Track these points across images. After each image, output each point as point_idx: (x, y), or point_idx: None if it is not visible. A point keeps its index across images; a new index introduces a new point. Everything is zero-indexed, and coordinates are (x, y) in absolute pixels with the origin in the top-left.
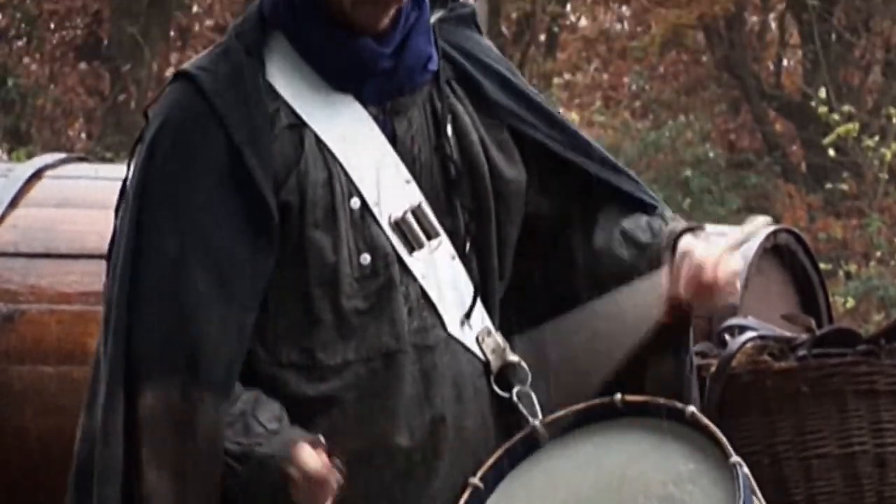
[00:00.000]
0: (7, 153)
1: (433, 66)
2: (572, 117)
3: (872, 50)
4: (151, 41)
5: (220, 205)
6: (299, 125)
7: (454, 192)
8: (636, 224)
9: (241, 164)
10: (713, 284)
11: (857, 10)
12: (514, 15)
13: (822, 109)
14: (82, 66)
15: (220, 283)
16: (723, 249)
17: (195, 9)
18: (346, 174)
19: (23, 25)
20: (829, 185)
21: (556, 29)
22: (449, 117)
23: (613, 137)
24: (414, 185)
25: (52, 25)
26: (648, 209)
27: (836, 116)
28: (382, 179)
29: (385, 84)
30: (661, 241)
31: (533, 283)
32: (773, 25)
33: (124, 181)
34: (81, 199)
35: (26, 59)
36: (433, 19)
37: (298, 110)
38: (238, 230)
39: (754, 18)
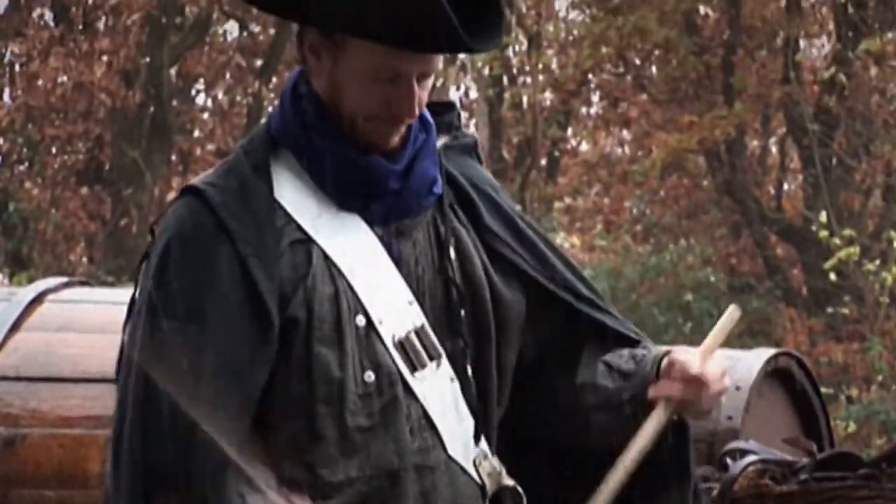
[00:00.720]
0: (8, 277)
1: (438, 189)
2: (573, 241)
3: (873, 174)
4: (153, 166)
5: (225, 318)
6: (307, 241)
7: (456, 314)
8: (619, 355)
9: (247, 278)
10: (702, 378)
11: (858, 134)
12: (515, 139)
13: (823, 233)
14: (84, 190)
15: (216, 395)
16: (705, 348)
17: (196, 133)
18: (352, 291)
19: (25, 150)
20: (830, 309)
21: (556, 153)
22: (452, 241)
23: (614, 261)
24: (417, 306)
25: (54, 150)
26: (632, 343)
27: (836, 240)
28: (387, 299)
29: (392, 205)
30: (646, 364)
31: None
32: (774, 150)
33: (132, 298)
34: (82, 323)
35: (28, 184)
36: (438, 144)
37: (305, 227)
38: (239, 343)
39: (755, 143)
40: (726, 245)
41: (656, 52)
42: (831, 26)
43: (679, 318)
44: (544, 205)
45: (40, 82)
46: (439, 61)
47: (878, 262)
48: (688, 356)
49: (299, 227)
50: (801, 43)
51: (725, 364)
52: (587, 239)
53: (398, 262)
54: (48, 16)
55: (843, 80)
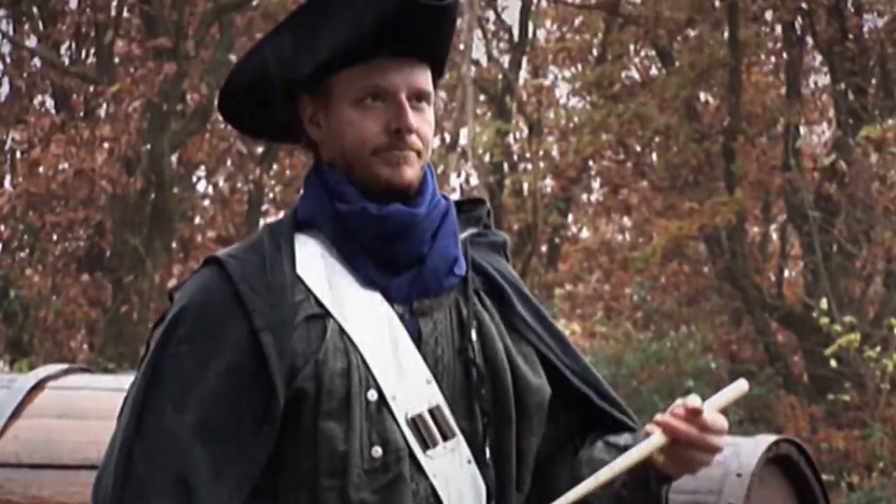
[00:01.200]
0: (9, 364)
1: (459, 270)
2: (574, 328)
3: (873, 261)
4: (154, 253)
5: (230, 388)
6: (323, 315)
7: (475, 395)
8: (619, 435)
9: (258, 351)
10: (702, 418)
11: (858, 221)
12: (515, 226)
13: (824, 320)
14: (84, 277)
15: (217, 465)
16: (710, 403)
17: (197, 220)
18: (365, 365)
19: (25, 237)
20: (830, 396)
21: (557, 240)
22: (474, 323)
23: (615, 348)
24: (434, 386)
25: (55, 237)
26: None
27: (837, 327)
28: (403, 376)
29: (412, 283)
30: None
31: None
32: (775, 236)
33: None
34: (83, 410)
35: (29, 271)
36: (464, 234)
37: (324, 301)
38: (243, 415)
39: (755, 230)
40: (727, 332)
41: (657, 139)
42: (831, 113)
43: None
44: (545, 291)
45: (41, 169)
46: (425, 79)
47: (878, 348)
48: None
49: (318, 302)
50: (802, 130)
51: (726, 450)
52: (588, 325)
53: (417, 340)
54: (49, 103)
55: (844, 166)
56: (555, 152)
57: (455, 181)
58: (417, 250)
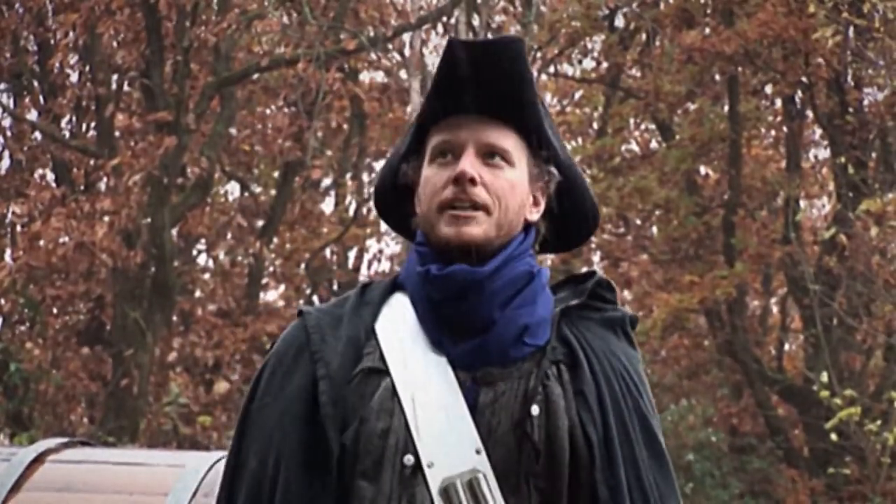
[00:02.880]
0: (9, 437)
1: (533, 339)
2: None
3: (874, 334)
4: (154, 326)
5: (292, 436)
6: (380, 371)
7: (527, 471)
8: None
9: (313, 399)
10: None
11: (859, 294)
12: None
13: (824, 393)
14: (85, 350)
15: None
16: None
17: (198, 294)
18: (406, 429)
19: (26, 311)
20: (831, 470)
21: None
22: (540, 397)
23: None
24: (483, 457)
25: (55, 310)
26: None
27: (838, 401)
28: (448, 443)
29: (476, 350)
30: None
31: None
32: (775, 310)
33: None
34: (83, 484)
35: (29, 344)
36: (566, 304)
37: (387, 357)
38: (299, 465)
39: (756, 303)
40: (727, 405)
41: (657, 212)
42: (831, 186)
43: (680, 478)
44: None
45: (41, 243)
46: (500, 136)
47: (879, 422)
48: None
49: (381, 356)
50: (802, 203)
51: None
52: None
53: (474, 409)
54: (50, 176)
55: (844, 240)
56: None
57: None
58: (484, 314)
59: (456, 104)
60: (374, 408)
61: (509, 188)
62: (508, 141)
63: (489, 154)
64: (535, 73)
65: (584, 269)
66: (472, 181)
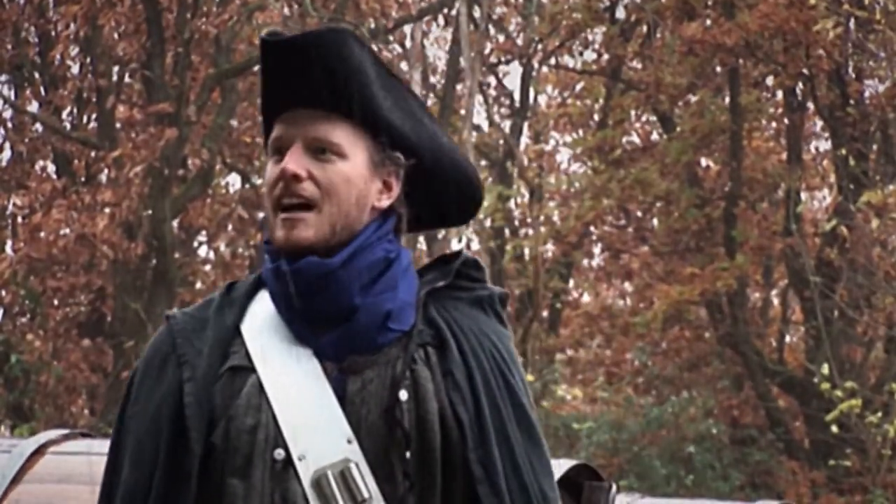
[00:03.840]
0: (10, 429)
1: (398, 325)
2: (575, 393)
3: (875, 326)
4: (155, 318)
5: (162, 442)
6: (246, 369)
7: (397, 458)
8: None
9: (179, 402)
10: None
11: (859, 286)
12: (516, 291)
13: (825, 386)
14: (86, 342)
15: None
16: None
17: (199, 285)
18: (275, 423)
19: (27, 302)
20: (832, 462)
21: (558, 305)
22: (407, 382)
23: (616, 413)
24: (355, 446)
25: (56, 302)
26: None
27: (838, 393)
28: (318, 435)
29: (341, 339)
30: None
31: None
32: (776, 302)
33: None
34: (84, 476)
35: (30, 336)
36: (431, 286)
37: (253, 354)
38: (168, 472)
39: (756, 295)
40: (728, 397)
41: (658, 204)
42: (832, 178)
43: (681, 471)
44: (546, 356)
45: (42, 234)
46: (328, 129)
47: (879, 414)
48: None
49: (247, 355)
50: (803, 195)
51: None
52: (589, 391)
53: (342, 398)
54: (50, 168)
55: (845, 232)
56: (556, 217)
57: (456, 246)
58: (343, 304)
59: (285, 100)
60: (241, 405)
61: (341, 182)
62: (339, 133)
63: (319, 149)
64: (371, 59)
65: (453, 250)
66: (296, 178)
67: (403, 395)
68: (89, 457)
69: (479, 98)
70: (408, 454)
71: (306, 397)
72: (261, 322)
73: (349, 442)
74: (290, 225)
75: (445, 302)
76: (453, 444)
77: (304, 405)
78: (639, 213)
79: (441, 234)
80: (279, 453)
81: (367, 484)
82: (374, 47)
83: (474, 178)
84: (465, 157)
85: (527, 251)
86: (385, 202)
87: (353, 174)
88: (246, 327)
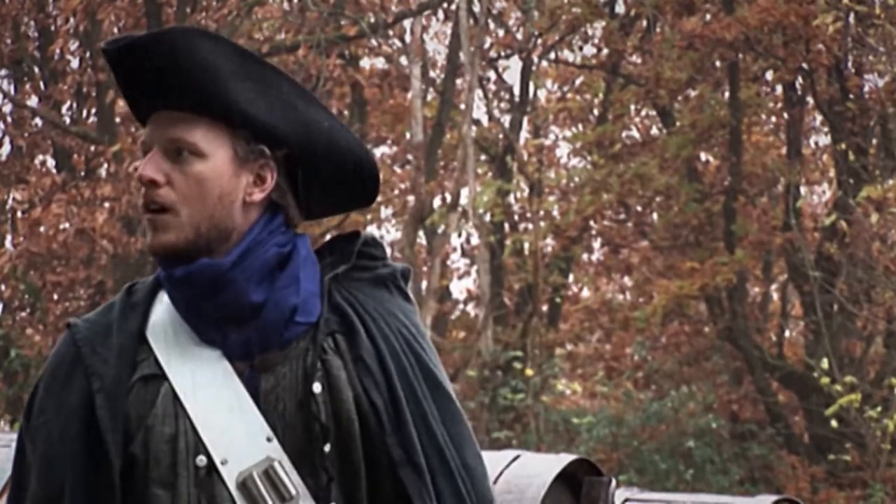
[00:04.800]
0: (9, 424)
1: (305, 317)
2: (574, 388)
3: (874, 321)
4: None
5: (73, 455)
6: (157, 377)
7: (317, 450)
8: None
9: (91, 415)
10: None
11: (859, 280)
12: (516, 286)
13: (825, 380)
14: None
15: None
16: None
17: None
18: (194, 430)
19: (26, 297)
20: (831, 456)
21: (558, 299)
22: (320, 373)
23: (616, 408)
24: (276, 444)
25: (56, 296)
26: None
27: (838, 387)
28: (237, 437)
29: (250, 338)
30: None
31: None
32: (775, 296)
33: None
34: None
35: (29, 330)
36: (334, 272)
37: (162, 362)
38: (82, 486)
39: (756, 289)
40: (728, 391)
41: (657, 199)
42: (832, 173)
43: (680, 465)
44: (546, 351)
45: (42, 229)
46: (186, 130)
47: (879, 408)
48: None
49: (156, 362)
50: (802, 189)
51: None
52: (589, 385)
53: (257, 397)
54: (50, 163)
55: (845, 226)
56: (555, 212)
57: (455, 241)
58: (244, 303)
59: (146, 105)
60: (157, 414)
61: (198, 183)
62: (197, 132)
63: (176, 150)
64: (228, 53)
65: (349, 231)
66: (153, 183)
67: (317, 387)
68: None
69: (478, 93)
70: (327, 447)
71: (221, 400)
72: (165, 326)
73: (269, 440)
74: (152, 227)
75: (348, 284)
76: (372, 430)
77: (220, 408)
78: (638, 208)
79: (440, 228)
80: (201, 460)
81: (292, 480)
82: (374, 42)
83: (357, 159)
84: (349, 137)
85: (526, 246)
86: (258, 196)
87: (213, 173)
88: (151, 333)
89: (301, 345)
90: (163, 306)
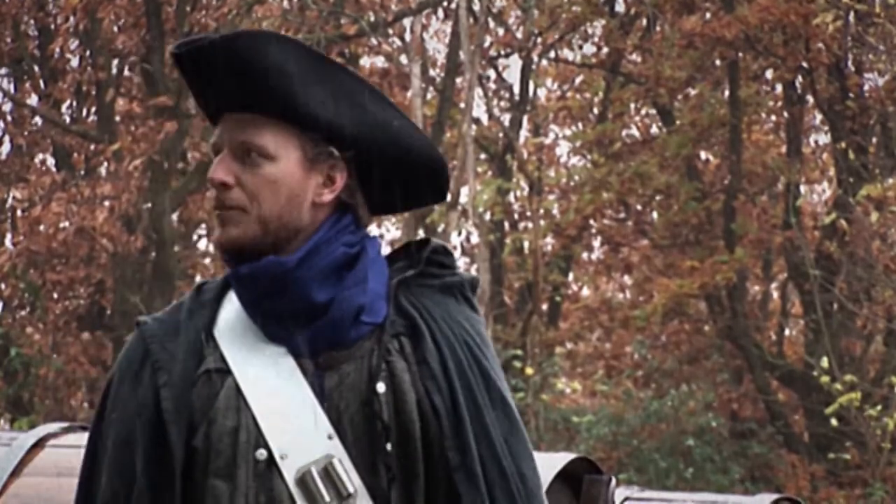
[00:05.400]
0: (9, 422)
1: (371, 317)
2: (574, 386)
3: (874, 319)
4: (154, 311)
5: (141, 450)
6: (222, 371)
7: (378, 450)
8: None
9: (157, 407)
10: None
11: (859, 279)
12: (516, 284)
13: (825, 379)
14: (85, 335)
15: None
16: None
17: (198, 278)
18: (255, 424)
19: (26, 295)
20: (831, 455)
21: (557, 298)
22: (384, 374)
23: (616, 406)
24: (336, 441)
25: (56, 295)
26: None
27: (838, 386)
28: (299, 433)
29: (315, 336)
30: None
31: None
32: (775, 295)
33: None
34: None
35: (29, 329)
36: (402, 275)
37: (227, 357)
38: (143, 475)
39: (756, 288)
40: (728, 390)
41: (657, 198)
42: (832, 172)
43: (680, 464)
44: (545, 350)
45: (42, 227)
46: (255, 132)
47: (879, 407)
48: None
49: (221, 357)
50: (802, 188)
51: None
52: (588, 384)
53: (321, 395)
54: (50, 161)
55: (845, 225)
56: (555, 211)
57: (455, 239)
58: (308, 302)
59: (216, 107)
60: (220, 407)
61: (268, 184)
62: (266, 135)
63: (245, 152)
64: (297, 56)
65: (420, 237)
66: (224, 185)
67: (381, 387)
68: None
69: (478, 91)
70: (389, 446)
71: (284, 396)
72: (232, 324)
73: (330, 438)
74: (221, 223)
75: (415, 290)
76: (431, 433)
77: (282, 404)
78: (638, 207)
79: (441, 227)
80: (261, 453)
81: (351, 478)
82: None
83: (427, 158)
84: (419, 137)
85: (526, 244)
86: (327, 196)
87: (283, 175)
88: (218, 330)
89: (366, 345)
90: (232, 305)
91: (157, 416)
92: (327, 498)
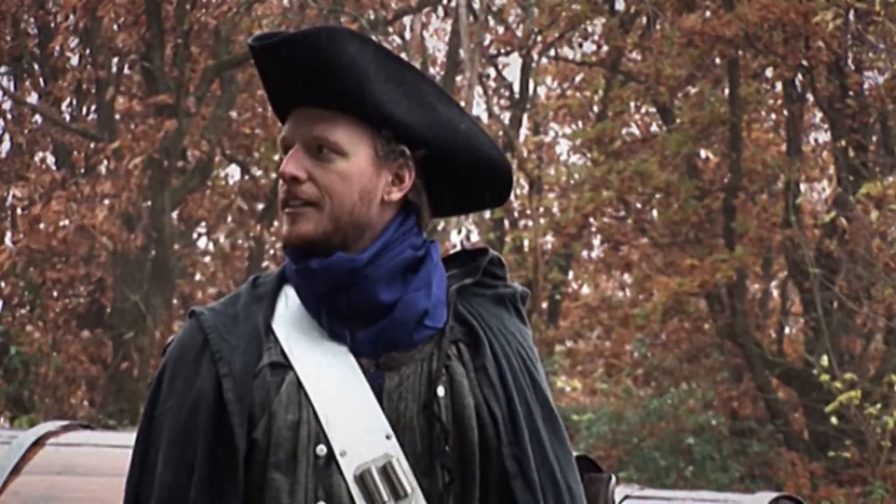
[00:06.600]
0: (9, 421)
1: (433, 322)
2: (574, 385)
3: (874, 317)
4: (154, 309)
5: (201, 439)
6: (283, 365)
7: (436, 453)
8: None
9: (219, 398)
10: None
11: (859, 277)
12: (516, 283)
13: (825, 377)
14: (85, 334)
15: None
16: None
17: (198, 277)
18: (316, 420)
19: (26, 294)
20: (831, 453)
21: (557, 296)
22: (444, 378)
23: (616, 405)
24: (394, 441)
25: (56, 294)
26: None
27: (838, 384)
28: (358, 431)
29: (377, 336)
30: None
31: None
32: (775, 293)
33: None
34: (83, 467)
35: (29, 327)
36: (460, 283)
37: (288, 352)
38: (203, 465)
39: (756, 286)
40: (728, 388)
41: (657, 196)
42: (832, 170)
43: (680, 462)
44: (545, 348)
45: (42, 226)
46: (327, 128)
47: (879, 405)
48: None
49: (282, 351)
50: (802, 186)
51: None
52: (588, 382)
53: (380, 394)
54: (50, 159)
55: (845, 223)
56: (555, 209)
57: (455, 237)
58: (377, 301)
59: (288, 101)
60: (282, 401)
61: (340, 180)
62: (339, 131)
63: (317, 147)
64: (372, 54)
65: (476, 245)
66: (295, 180)
67: (441, 390)
68: (89, 448)
69: (478, 89)
70: (447, 449)
71: (345, 393)
72: (291, 318)
73: (388, 438)
74: (291, 219)
75: (471, 298)
76: (489, 438)
77: (344, 401)
78: (638, 205)
79: (441, 225)
80: (321, 449)
81: (408, 479)
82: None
83: (493, 161)
84: (486, 140)
85: (526, 243)
86: (396, 195)
87: (354, 171)
88: (277, 324)
89: (426, 348)
90: (288, 300)
91: (218, 407)
92: (385, 497)
